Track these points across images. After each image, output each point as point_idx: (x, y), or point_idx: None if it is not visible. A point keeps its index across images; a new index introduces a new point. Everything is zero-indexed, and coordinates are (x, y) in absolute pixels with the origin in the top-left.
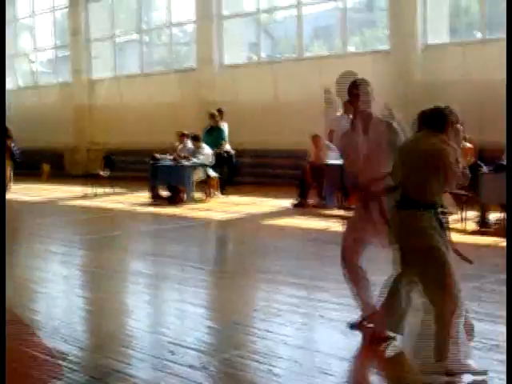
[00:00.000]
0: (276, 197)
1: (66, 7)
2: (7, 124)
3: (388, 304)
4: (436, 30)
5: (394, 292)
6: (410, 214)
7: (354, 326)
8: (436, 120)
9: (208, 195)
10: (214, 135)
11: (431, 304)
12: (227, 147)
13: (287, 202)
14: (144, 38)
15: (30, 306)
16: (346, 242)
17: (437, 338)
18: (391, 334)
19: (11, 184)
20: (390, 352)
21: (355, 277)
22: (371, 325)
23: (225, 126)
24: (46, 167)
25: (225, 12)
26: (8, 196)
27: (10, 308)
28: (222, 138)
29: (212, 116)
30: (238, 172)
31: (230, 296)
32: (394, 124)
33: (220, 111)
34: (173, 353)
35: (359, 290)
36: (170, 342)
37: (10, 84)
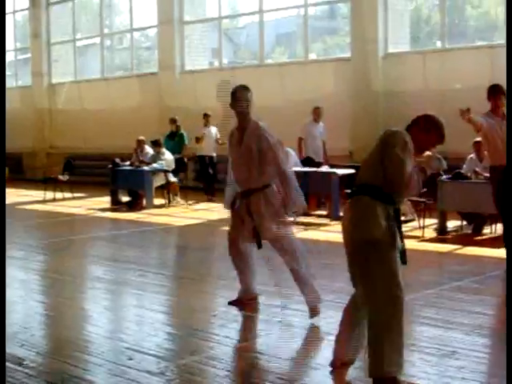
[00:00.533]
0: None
1: (27, 9)
2: None
3: (346, 331)
4: (397, 39)
5: (350, 315)
6: (353, 200)
7: (231, 303)
8: (414, 122)
9: (168, 201)
10: (175, 140)
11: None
12: (213, 153)
13: None
14: (105, 42)
15: None
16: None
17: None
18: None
19: None
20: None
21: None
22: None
23: (213, 130)
24: None
25: (187, 17)
26: None
27: None
28: (183, 143)
29: (173, 121)
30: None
31: (188, 302)
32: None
33: (206, 115)
34: (130, 358)
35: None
36: (128, 348)
37: None
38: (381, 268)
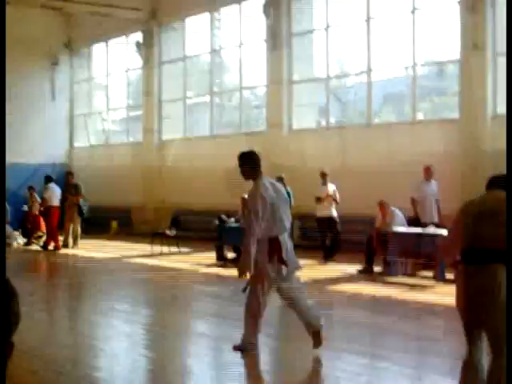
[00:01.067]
0: (343, 262)
1: (140, 68)
2: (78, 181)
3: None
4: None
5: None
6: (489, 267)
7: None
8: (504, 181)
9: None
10: None
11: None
12: (333, 213)
13: (353, 268)
14: (215, 100)
15: (93, 363)
16: None
17: None
18: None
19: (79, 240)
20: None
21: None
22: None
23: (330, 188)
24: (114, 224)
25: (295, 77)
26: (75, 251)
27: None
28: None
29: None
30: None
31: (291, 362)
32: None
33: (324, 174)
34: None
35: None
36: None
37: (83, 142)
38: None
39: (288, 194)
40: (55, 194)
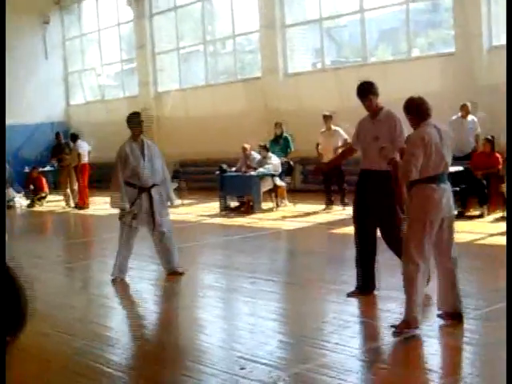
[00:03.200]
0: (346, 204)
1: (132, 21)
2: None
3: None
4: (502, 31)
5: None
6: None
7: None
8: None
9: (276, 204)
10: (280, 144)
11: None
12: None
13: None
14: (209, 49)
15: (102, 322)
16: None
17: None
18: None
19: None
20: None
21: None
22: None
23: (336, 132)
24: None
25: (288, 20)
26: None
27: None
28: (289, 147)
29: (278, 125)
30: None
31: (299, 308)
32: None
33: (326, 117)
34: (243, 368)
35: None
36: (240, 357)
37: (78, 99)
38: None
39: (286, 139)
40: (86, 150)
